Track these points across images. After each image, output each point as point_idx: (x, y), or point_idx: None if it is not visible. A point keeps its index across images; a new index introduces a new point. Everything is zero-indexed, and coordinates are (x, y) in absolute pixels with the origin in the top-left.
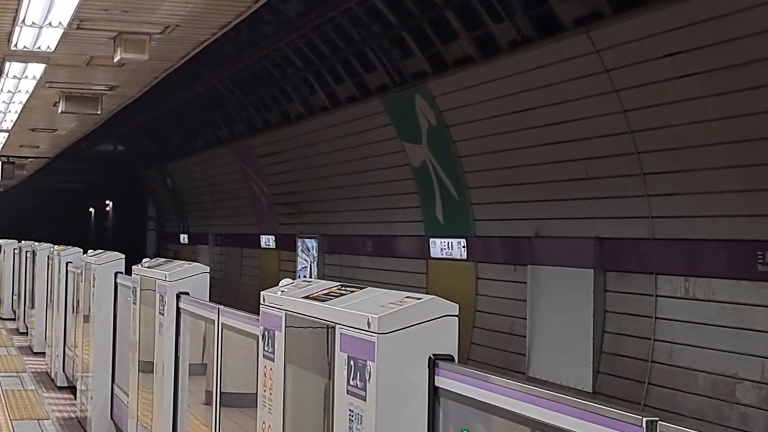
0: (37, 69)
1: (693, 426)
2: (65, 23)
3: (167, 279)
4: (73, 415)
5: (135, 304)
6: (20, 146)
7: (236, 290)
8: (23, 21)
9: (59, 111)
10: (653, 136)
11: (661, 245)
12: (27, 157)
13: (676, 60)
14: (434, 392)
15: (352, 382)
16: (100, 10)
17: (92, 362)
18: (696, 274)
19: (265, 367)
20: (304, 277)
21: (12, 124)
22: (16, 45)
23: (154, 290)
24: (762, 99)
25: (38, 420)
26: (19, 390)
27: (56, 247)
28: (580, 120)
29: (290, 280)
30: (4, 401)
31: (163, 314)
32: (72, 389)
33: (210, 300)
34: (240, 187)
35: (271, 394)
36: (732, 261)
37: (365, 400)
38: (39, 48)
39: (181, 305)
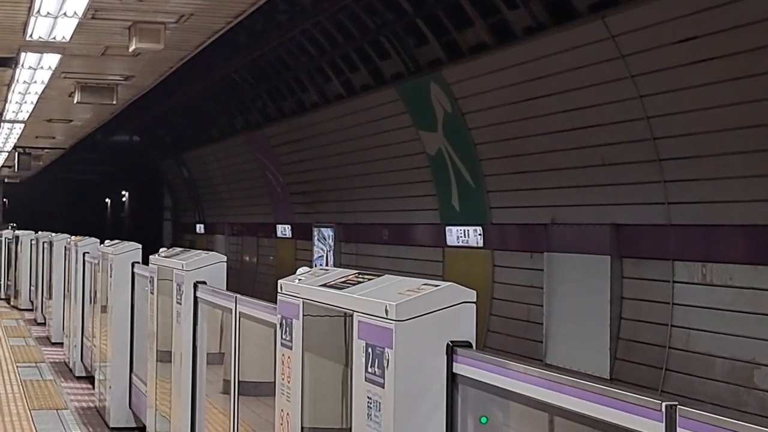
0: (52, 59)
1: (711, 411)
2: (80, 13)
3: (184, 268)
4: (91, 405)
5: (152, 293)
6: (36, 137)
7: (252, 279)
8: (38, 11)
9: (75, 101)
10: (669, 121)
11: (678, 231)
12: (43, 148)
13: (692, 45)
14: (452, 379)
15: (370, 370)
16: None
17: (110, 352)
18: (713, 260)
19: (283, 355)
20: (321, 266)
21: (28, 114)
22: (31, 35)
23: (172, 280)
24: None
25: (57, 410)
26: (38, 380)
27: (73, 237)
28: (595, 106)
29: (307, 269)
30: (22, 391)
31: (180, 304)
32: (90, 379)
33: (227, 289)
34: (255, 176)
35: (289, 382)
36: (749, 246)
37: (383, 387)
38: (54, 38)
39: (199, 294)
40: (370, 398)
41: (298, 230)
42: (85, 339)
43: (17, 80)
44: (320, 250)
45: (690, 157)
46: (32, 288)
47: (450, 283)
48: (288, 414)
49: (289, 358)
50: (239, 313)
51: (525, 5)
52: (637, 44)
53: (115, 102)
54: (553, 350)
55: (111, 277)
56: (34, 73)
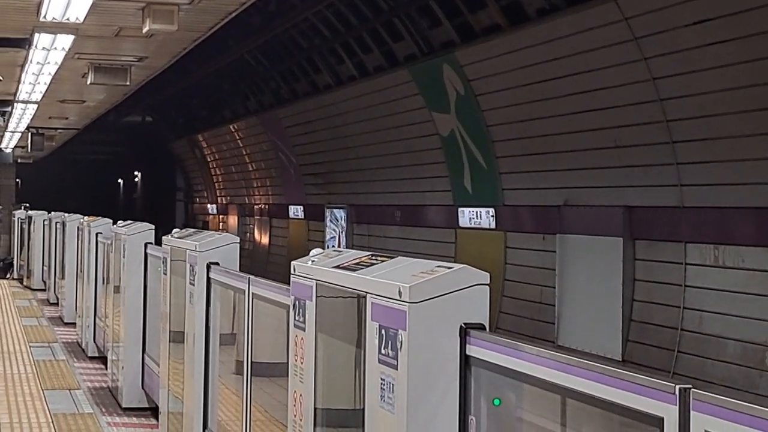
0: (66, 40)
1: (725, 394)
2: None
3: (197, 249)
4: (104, 385)
5: (165, 274)
6: (49, 118)
7: (265, 260)
8: None
9: (88, 82)
10: (682, 103)
11: (691, 213)
12: (56, 129)
13: (706, 27)
14: (466, 361)
15: (383, 351)
16: None
17: (123, 332)
18: (725, 242)
19: (296, 336)
20: (333, 247)
21: (41, 95)
22: (45, 16)
23: (185, 260)
24: None
25: (70, 390)
26: (51, 360)
27: (86, 218)
28: (608, 88)
29: (320, 250)
30: (35, 371)
31: (193, 284)
32: (103, 359)
33: (239, 270)
34: (268, 157)
35: (302, 363)
36: (761, 228)
37: (397, 369)
38: (68, 19)
39: (212, 275)
40: (383, 380)
41: (311, 211)
42: (97, 319)
43: (31, 61)
44: (332, 231)
45: (703, 140)
46: (45, 268)
47: (463, 265)
48: (301, 395)
49: (302, 339)
50: (252, 294)
51: None
52: (650, 26)
53: (128, 83)
54: (566, 332)
55: (124, 257)
56: (48, 54)
